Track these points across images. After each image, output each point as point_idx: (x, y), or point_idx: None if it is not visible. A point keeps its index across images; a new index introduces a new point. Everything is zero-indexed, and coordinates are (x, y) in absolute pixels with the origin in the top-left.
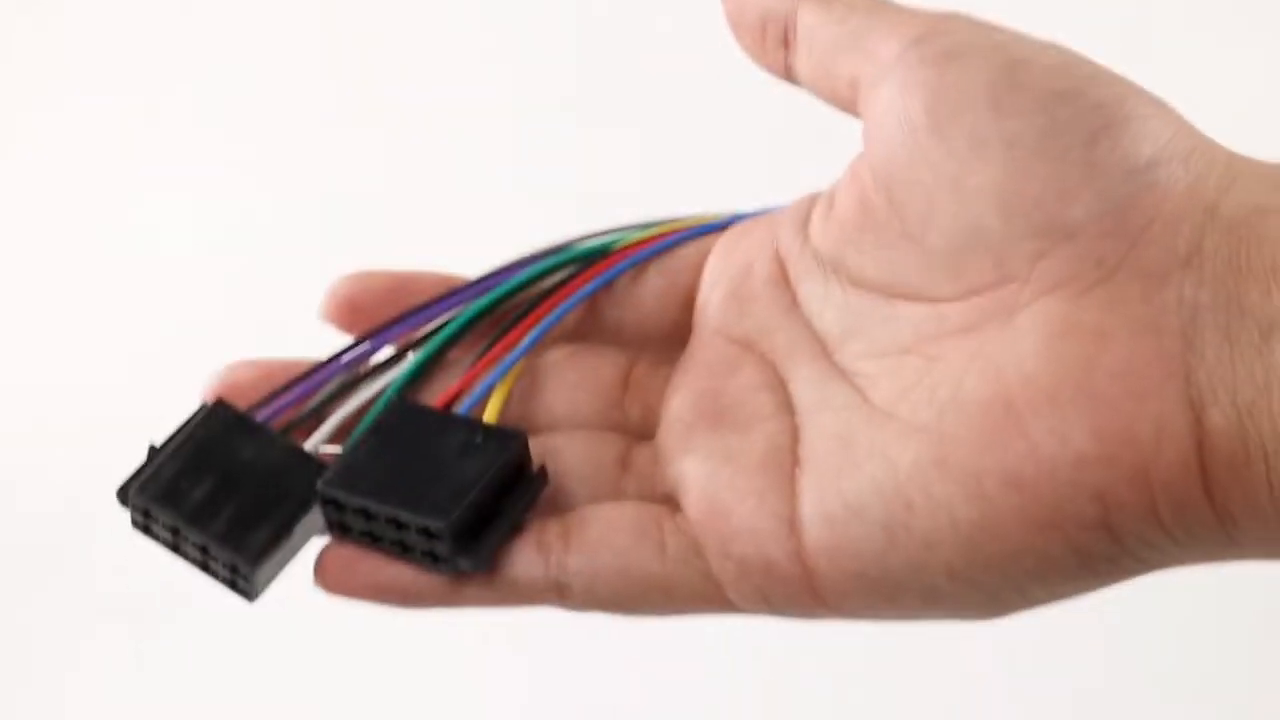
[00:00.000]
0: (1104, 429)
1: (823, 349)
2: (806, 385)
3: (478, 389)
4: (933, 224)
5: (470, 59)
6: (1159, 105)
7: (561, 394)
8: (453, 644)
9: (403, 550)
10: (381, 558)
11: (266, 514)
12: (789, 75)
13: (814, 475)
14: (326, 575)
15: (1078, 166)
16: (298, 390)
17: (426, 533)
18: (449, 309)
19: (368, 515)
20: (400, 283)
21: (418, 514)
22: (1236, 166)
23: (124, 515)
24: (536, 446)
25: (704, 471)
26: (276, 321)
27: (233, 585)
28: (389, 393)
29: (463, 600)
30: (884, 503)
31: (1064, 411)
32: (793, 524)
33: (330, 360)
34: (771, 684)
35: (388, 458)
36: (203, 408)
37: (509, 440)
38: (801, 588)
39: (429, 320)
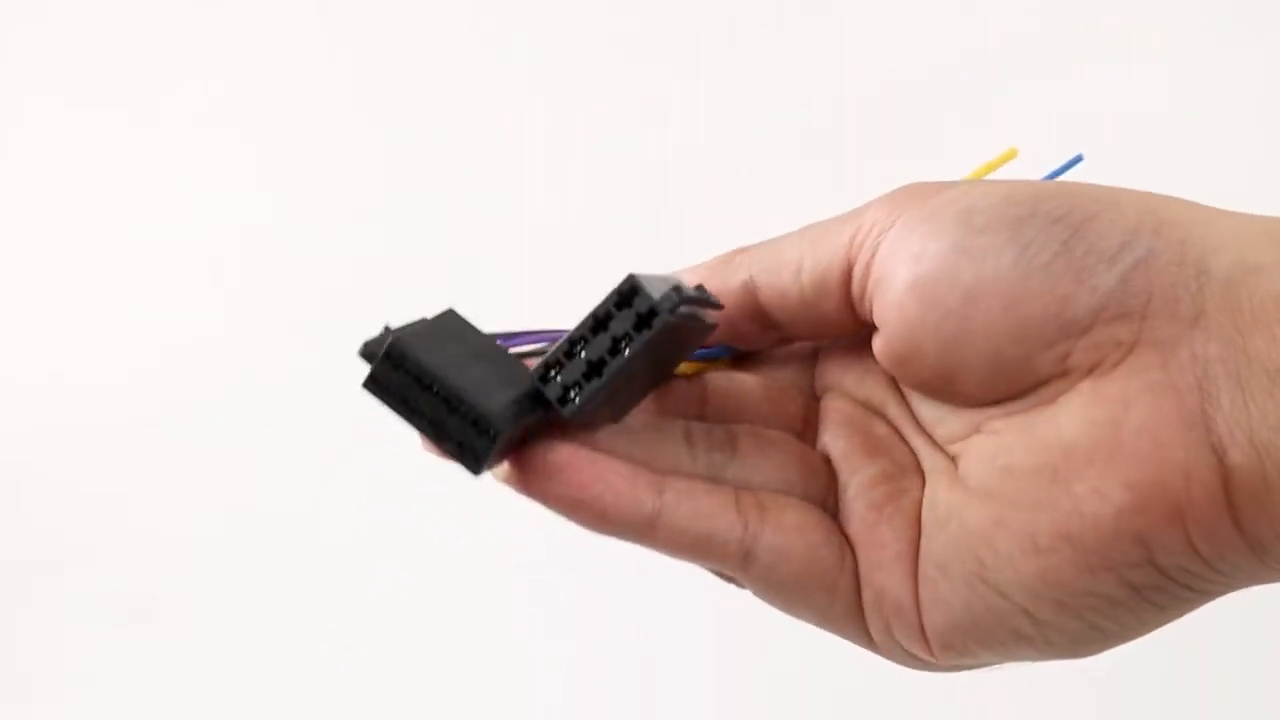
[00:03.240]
0: (1136, 481)
1: (920, 427)
2: (921, 448)
3: None
4: (958, 376)
5: (483, 65)
6: (1111, 194)
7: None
8: (440, 650)
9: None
10: (598, 466)
11: (510, 385)
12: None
13: (925, 538)
14: (541, 474)
15: (1062, 274)
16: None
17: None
18: None
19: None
20: None
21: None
22: (1213, 226)
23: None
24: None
25: (860, 519)
26: (278, 326)
27: (463, 450)
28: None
29: (657, 538)
30: (961, 560)
31: (1100, 470)
32: (915, 577)
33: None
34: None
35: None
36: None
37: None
38: (917, 631)
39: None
